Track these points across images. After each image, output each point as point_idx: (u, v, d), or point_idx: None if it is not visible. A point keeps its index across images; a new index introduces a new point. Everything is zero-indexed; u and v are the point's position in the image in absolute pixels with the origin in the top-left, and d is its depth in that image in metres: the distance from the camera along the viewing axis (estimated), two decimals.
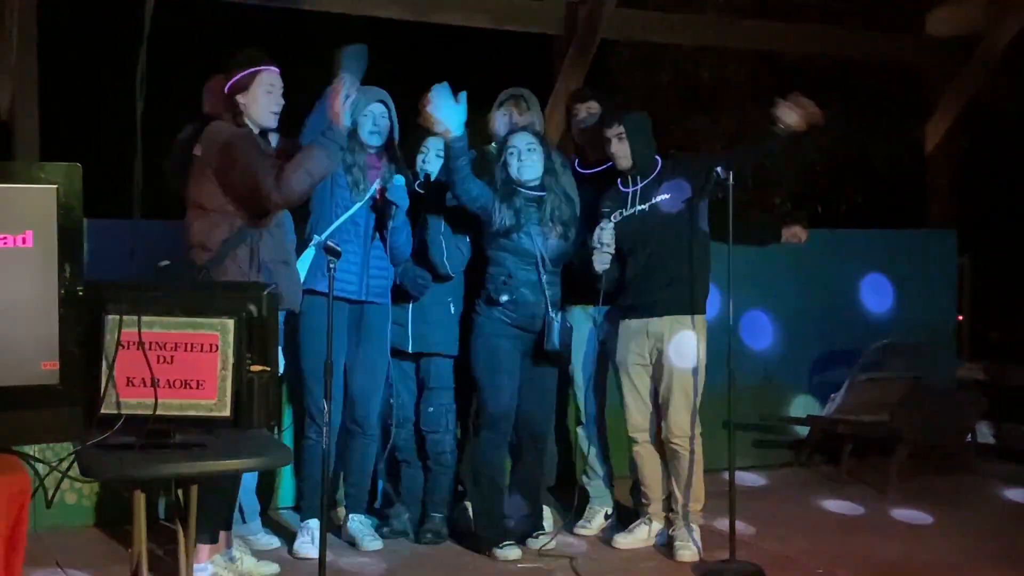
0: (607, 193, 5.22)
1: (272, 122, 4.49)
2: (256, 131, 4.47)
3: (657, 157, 5.15)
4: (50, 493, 3.03)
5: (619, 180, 5.19)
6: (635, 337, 5.16)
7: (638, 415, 5.21)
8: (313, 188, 4.49)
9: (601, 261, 5.03)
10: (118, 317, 3.08)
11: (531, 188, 5.06)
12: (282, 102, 4.49)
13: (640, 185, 5.12)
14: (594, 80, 6.94)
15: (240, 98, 4.42)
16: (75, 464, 3.03)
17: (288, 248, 4.58)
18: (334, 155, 4.44)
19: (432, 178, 5.15)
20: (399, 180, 4.93)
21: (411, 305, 5.15)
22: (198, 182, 4.38)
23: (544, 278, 5.02)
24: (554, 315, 5.02)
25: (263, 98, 4.42)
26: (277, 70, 4.47)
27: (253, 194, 4.31)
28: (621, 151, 5.10)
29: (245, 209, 4.36)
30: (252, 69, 4.41)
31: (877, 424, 6.50)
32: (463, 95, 4.76)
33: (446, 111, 4.73)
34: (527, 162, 5.04)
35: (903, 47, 8.04)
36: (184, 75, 5.72)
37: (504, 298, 5.02)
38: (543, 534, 5.17)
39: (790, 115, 4.94)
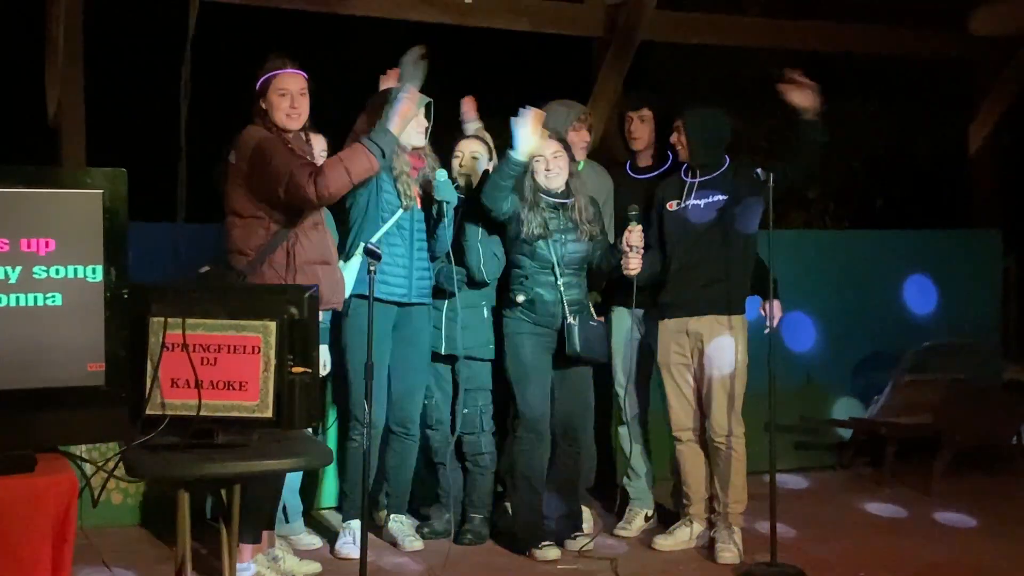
0: (668, 180, 5.26)
1: (291, 124, 4.51)
2: (291, 134, 4.50)
3: (727, 157, 5.16)
4: (96, 492, 3.08)
5: (683, 168, 5.21)
6: (675, 337, 5.16)
7: (682, 414, 5.20)
8: (349, 188, 4.48)
9: (628, 266, 5.04)
10: (162, 319, 3.13)
11: (557, 196, 5.08)
12: (302, 104, 4.50)
13: (699, 179, 5.13)
14: (634, 83, 6.92)
15: (262, 103, 4.51)
16: (121, 464, 3.08)
17: (328, 247, 4.60)
18: (377, 159, 4.45)
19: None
20: (442, 175, 4.96)
21: (445, 307, 5.17)
22: (233, 189, 4.44)
23: (561, 281, 5.04)
24: (573, 320, 5.03)
25: (277, 101, 4.48)
26: (293, 72, 4.51)
27: (287, 193, 4.33)
28: (679, 144, 5.16)
29: (278, 212, 4.40)
30: (268, 74, 4.49)
31: (921, 426, 6.45)
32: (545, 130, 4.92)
33: (524, 137, 4.84)
34: (555, 170, 5.07)
35: (947, 45, 7.97)
36: (227, 80, 5.78)
37: (521, 298, 5.05)
38: (581, 535, 5.18)
39: (802, 96, 4.93)
